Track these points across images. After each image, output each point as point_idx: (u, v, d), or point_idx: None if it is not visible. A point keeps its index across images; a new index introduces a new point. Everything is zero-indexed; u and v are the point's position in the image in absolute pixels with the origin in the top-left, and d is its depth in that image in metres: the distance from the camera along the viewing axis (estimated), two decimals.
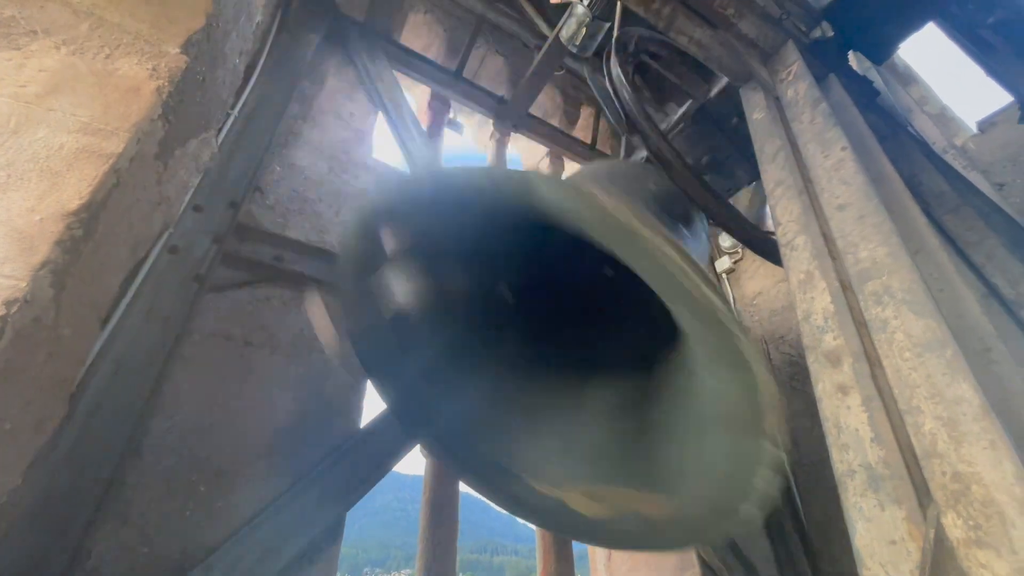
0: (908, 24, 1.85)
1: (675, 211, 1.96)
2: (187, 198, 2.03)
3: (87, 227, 1.18)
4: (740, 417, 0.97)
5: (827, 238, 0.99)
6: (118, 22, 1.44)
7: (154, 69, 1.43)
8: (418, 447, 3.07)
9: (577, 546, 3.72)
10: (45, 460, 1.47)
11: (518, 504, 1.50)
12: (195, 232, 2.07)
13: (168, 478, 1.68)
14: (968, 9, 1.16)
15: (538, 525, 1.47)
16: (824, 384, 0.80)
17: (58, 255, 1.11)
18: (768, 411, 0.90)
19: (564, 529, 1.43)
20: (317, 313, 2.16)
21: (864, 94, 1.84)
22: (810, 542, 3.17)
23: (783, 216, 1.11)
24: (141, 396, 1.69)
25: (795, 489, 3.39)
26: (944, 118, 3.69)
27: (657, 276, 0.98)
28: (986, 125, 3.52)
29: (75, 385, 1.47)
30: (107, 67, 1.37)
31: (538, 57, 3.57)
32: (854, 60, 2.70)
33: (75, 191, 1.17)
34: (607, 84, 2.41)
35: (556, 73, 4.02)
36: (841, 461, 0.72)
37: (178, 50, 1.51)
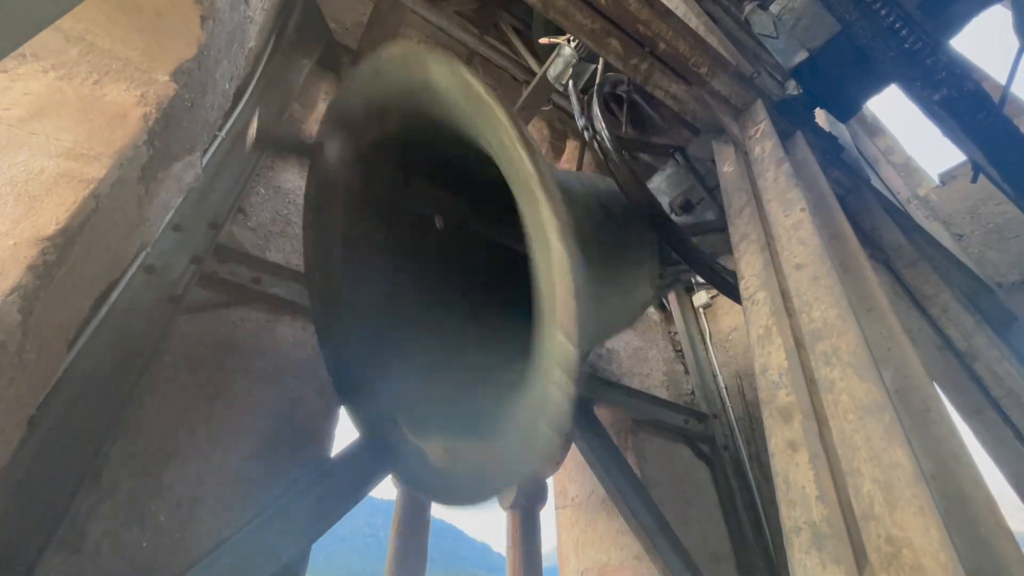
0: (871, 86, 1.98)
1: (616, 215, 2.05)
2: (168, 218, 2.02)
3: (61, 252, 1.18)
4: (544, 311, 0.87)
5: (785, 295, 1.04)
6: (109, 48, 1.46)
7: (142, 96, 1.45)
8: (390, 475, 3.01)
9: (549, 575, 3.67)
10: None
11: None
12: (173, 252, 2.05)
13: (126, 506, 1.63)
14: (917, 85, 1.26)
15: (405, 483, 1.58)
16: (776, 440, 0.84)
17: (29, 280, 1.10)
18: (559, 293, 0.78)
19: (420, 483, 1.49)
20: None
21: (829, 150, 1.95)
22: None
23: (746, 270, 1.17)
24: (105, 419, 1.65)
25: (767, 527, 3.41)
26: (909, 168, 3.88)
27: (498, 151, 0.99)
28: (947, 177, 3.72)
29: (36, 408, 1.43)
30: (95, 92, 1.39)
31: (526, 92, 3.68)
32: (823, 112, 2.83)
33: (52, 216, 1.17)
34: (587, 118, 2.51)
35: (543, 108, 4.14)
36: (789, 517, 0.75)
37: (168, 78, 1.53)
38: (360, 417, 1.74)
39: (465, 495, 1.30)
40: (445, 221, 1.88)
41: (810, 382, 0.86)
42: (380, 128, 1.49)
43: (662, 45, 1.52)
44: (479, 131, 1.08)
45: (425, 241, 1.95)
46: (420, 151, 1.63)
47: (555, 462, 2.90)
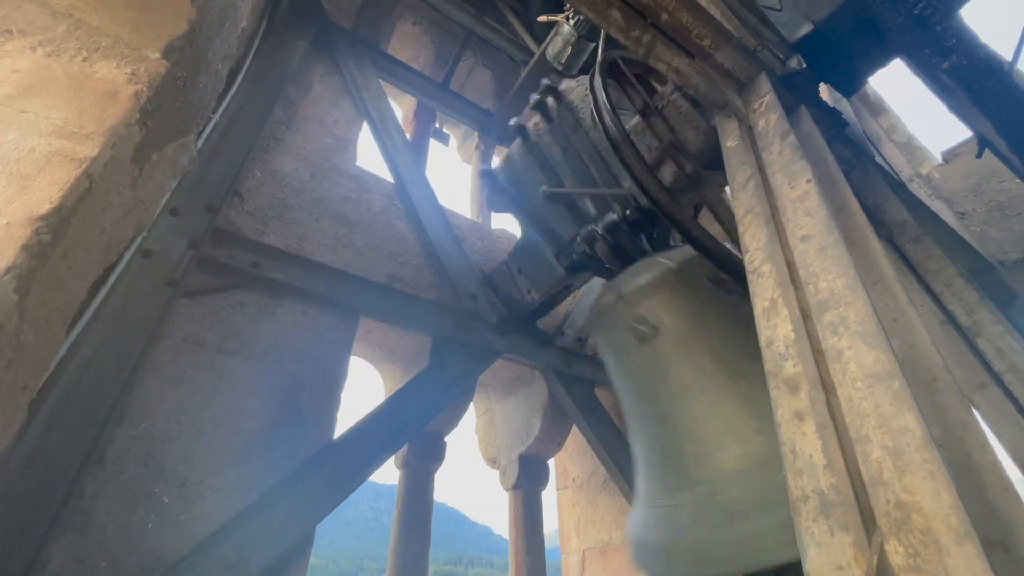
0: (875, 59, 1.94)
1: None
2: (163, 201, 2.00)
3: (56, 232, 1.16)
4: None
5: (791, 267, 1.03)
6: (97, 25, 1.42)
7: (133, 74, 1.42)
8: (392, 458, 3.03)
9: (551, 556, 3.72)
10: (2, 468, 1.42)
11: None
12: (170, 236, 2.03)
13: (131, 488, 1.64)
14: (925, 53, 1.23)
15: None
16: (783, 410, 0.83)
17: (24, 260, 1.08)
18: None
19: None
20: None
21: (833, 125, 1.92)
22: None
23: (751, 244, 1.15)
24: (107, 403, 1.64)
25: None
26: (911, 147, 3.84)
27: None
28: (950, 156, 3.68)
29: (36, 392, 1.42)
30: (84, 70, 1.35)
31: (524, 72, 3.63)
32: (827, 89, 2.80)
33: (45, 195, 1.15)
34: (589, 103, 2.46)
35: None
36: (796, 486, 0.75)
37: (158, 55, 1.49)
38: None
39: None
40: None
41: (817, 352, 0.86)
42: None
43: (664, 16, 1.49)
44: None
45: None
46: None
47: None
